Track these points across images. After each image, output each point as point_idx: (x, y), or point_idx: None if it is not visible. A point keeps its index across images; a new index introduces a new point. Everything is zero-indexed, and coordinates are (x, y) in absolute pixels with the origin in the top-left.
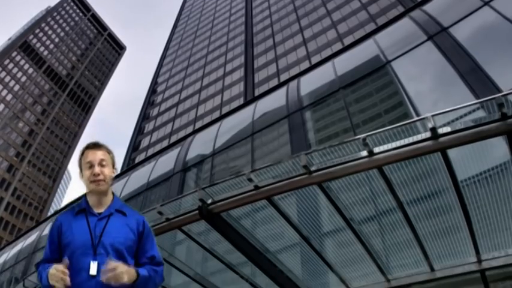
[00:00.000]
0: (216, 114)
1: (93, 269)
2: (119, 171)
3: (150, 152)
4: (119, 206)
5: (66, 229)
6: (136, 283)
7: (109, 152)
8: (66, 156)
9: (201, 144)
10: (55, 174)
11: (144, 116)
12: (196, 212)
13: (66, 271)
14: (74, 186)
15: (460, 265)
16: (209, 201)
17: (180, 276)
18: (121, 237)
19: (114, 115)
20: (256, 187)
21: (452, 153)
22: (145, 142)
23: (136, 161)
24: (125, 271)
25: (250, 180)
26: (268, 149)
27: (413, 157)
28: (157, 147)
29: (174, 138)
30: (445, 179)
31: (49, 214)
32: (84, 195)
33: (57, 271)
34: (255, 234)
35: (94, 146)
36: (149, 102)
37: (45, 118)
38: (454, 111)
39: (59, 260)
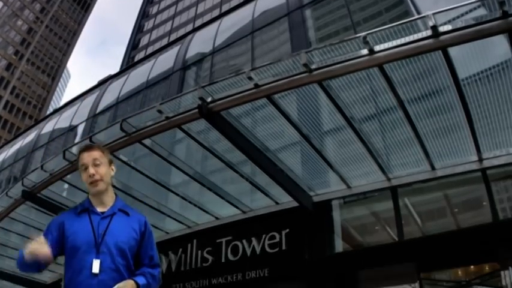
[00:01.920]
0: (216, 12)
1: (95, 267)
2: (115, 170)
3: (150, 50)
4: (121, 206)
5: (69, 227)
6: None
7: (102, 150)
8: (66, 55)
9: (200, 43)
10: (54, 73)
11: (143, 14)
12: (196, 110)
13: (44, 242)
14: (73, 85)
15: (461, 164)
16: (209, 99)
17: (180, 175)
18: (124, 237)
19: (113, 13)
20: (256, 85)
21: (453, 51)
22: (144, 40)
23: (136, 59)
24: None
25: (250, 78)
26: (268, 48)
27: (414, 55)
28: (157, 46)
29: (173, 37)
30: (446, 77)
31: (48, 112)
32: (87, 196)
33: (35, 241)
34: (255, 133)
35: (86, 148)
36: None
37: (44, 16)
38: (455, 9)
39: (60, 253)
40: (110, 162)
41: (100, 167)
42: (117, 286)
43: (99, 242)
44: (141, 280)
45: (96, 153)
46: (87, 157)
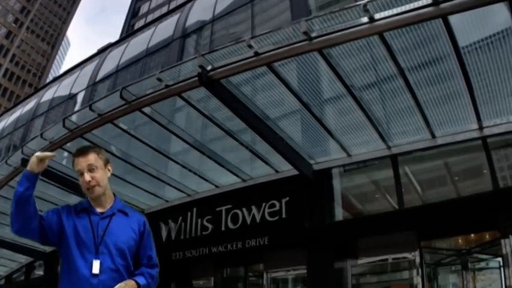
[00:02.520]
0: None
1: (95, 267)
2: (111, 171)
3: (150, 18)
4: (120, 207)
5: (68, 224)
6: None
7: (97, 152)
8: (65, 23)
9: (200, 11)
10: (54, 41)
11: None
12: (196, 78)
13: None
14: (72, 53)
15: (461, 132)
16: (209, 67)
17: (180, 144)
18: (123, 237)
19: None
20: (256, 53)
21: (453, 19)
22: (144, 8)
23: (136, 27)
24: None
25: (250, 46)
26: (268, 16)
27: (415, 23)
28: (157, 14)
29: (173, 5)
30: (446, 45)
31: (48, 81)
32: (86, 197)
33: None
34: (255, 101)
35: (79, 153)
36: None
37: None
38: None
39: (53, 242)
40: (106, 163)
41: (95, 172)
42: (117, 286)
43: (99, 243)
44: (141, 280)
45: (90, 157)
46: (82, 163)
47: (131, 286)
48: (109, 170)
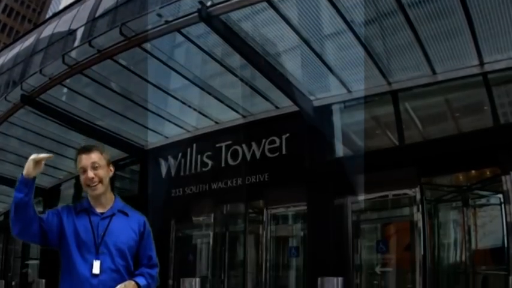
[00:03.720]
0: None
1: (95, 268)
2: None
3: None
4: (121, 207)
5: (68, 224)
6: None
7: (101, 151)
8: None
9: None
10: None
11: None
12: (196, 14)
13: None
14: None
15: (462, 68)
16: (208, 3)
17: (180, 79)
18: (124, 237)
19: None
20: None
21: None
22: None
23: None
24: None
25: None
26: None
27: None
28: None
29: None
30: None
31: (47, 16)
32: (86, 197)
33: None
34: (254, 37)
35: (84, 150)
36: None
37: None
38: None
39: (53, 243)
40: (109, 163)
41: (99, 170)
42: (118, 287)
43: (99, 243)
44: (142, 281)
45: (95, 156)
46: (86, 160)
47: (132, 287)
48: (111, 170)
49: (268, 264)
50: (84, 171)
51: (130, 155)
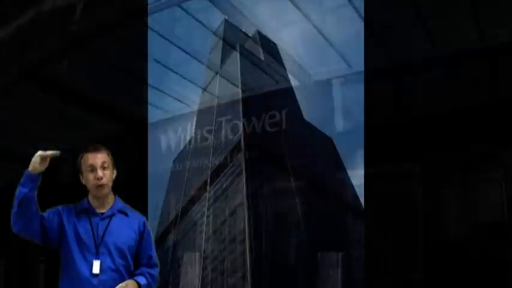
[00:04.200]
0: None
1: (95, 267)
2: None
3: None
4: (120, 207)
5: (68, 224)
6: None
7: (108, 153)
8: None
9: None
10: None
11: None
12: None
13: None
14: None
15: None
16: None
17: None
18: (123, 237)
19: None
20: None
21: None
22: None
23: None
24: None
25: None
26: None
27: None
28: None
29: None
30: None
31: None
32: (86, 197)
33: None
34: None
35: (94, 149)
36: None
37: None
38: None
39: (53, 242)
40: (114, 165)
41: (107, 170)
42: (118, 286)
43: (99, 243)
44: (142, 280)
45: (104, 156)
46: (97, 159)
47: (132, 286)
48: (114, 173)
49: None
50: (93, 169)
51: None
